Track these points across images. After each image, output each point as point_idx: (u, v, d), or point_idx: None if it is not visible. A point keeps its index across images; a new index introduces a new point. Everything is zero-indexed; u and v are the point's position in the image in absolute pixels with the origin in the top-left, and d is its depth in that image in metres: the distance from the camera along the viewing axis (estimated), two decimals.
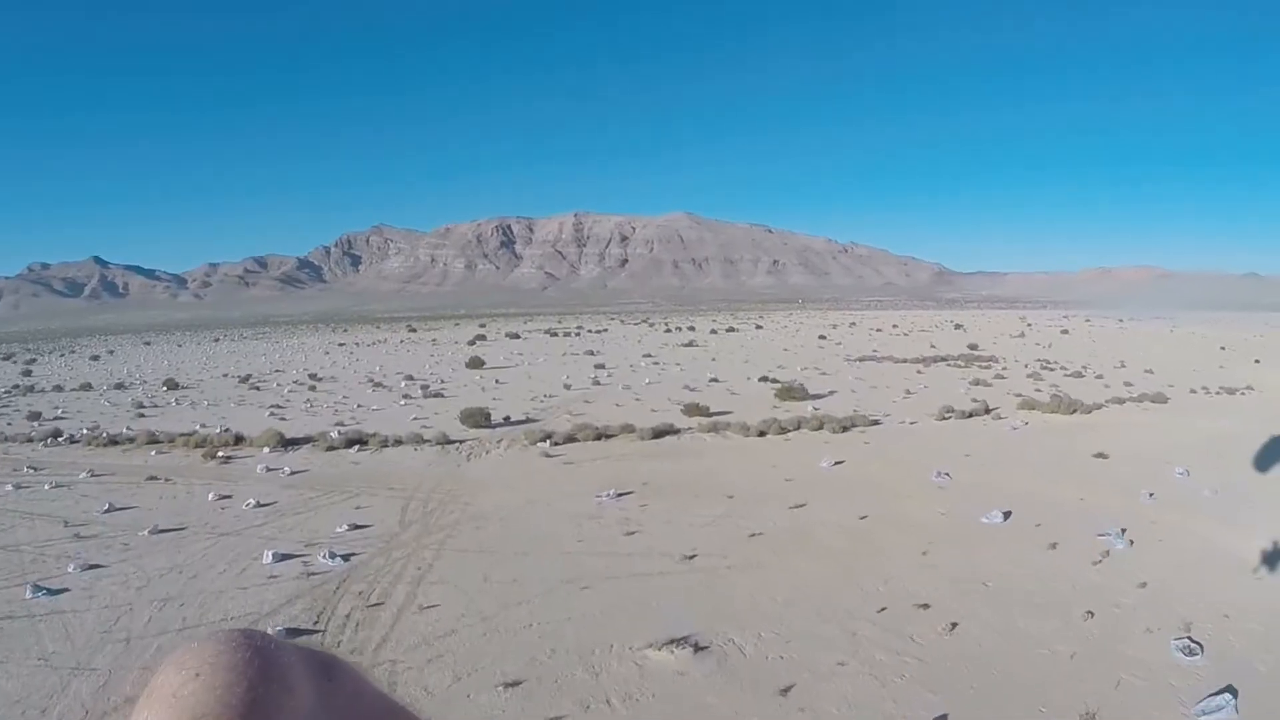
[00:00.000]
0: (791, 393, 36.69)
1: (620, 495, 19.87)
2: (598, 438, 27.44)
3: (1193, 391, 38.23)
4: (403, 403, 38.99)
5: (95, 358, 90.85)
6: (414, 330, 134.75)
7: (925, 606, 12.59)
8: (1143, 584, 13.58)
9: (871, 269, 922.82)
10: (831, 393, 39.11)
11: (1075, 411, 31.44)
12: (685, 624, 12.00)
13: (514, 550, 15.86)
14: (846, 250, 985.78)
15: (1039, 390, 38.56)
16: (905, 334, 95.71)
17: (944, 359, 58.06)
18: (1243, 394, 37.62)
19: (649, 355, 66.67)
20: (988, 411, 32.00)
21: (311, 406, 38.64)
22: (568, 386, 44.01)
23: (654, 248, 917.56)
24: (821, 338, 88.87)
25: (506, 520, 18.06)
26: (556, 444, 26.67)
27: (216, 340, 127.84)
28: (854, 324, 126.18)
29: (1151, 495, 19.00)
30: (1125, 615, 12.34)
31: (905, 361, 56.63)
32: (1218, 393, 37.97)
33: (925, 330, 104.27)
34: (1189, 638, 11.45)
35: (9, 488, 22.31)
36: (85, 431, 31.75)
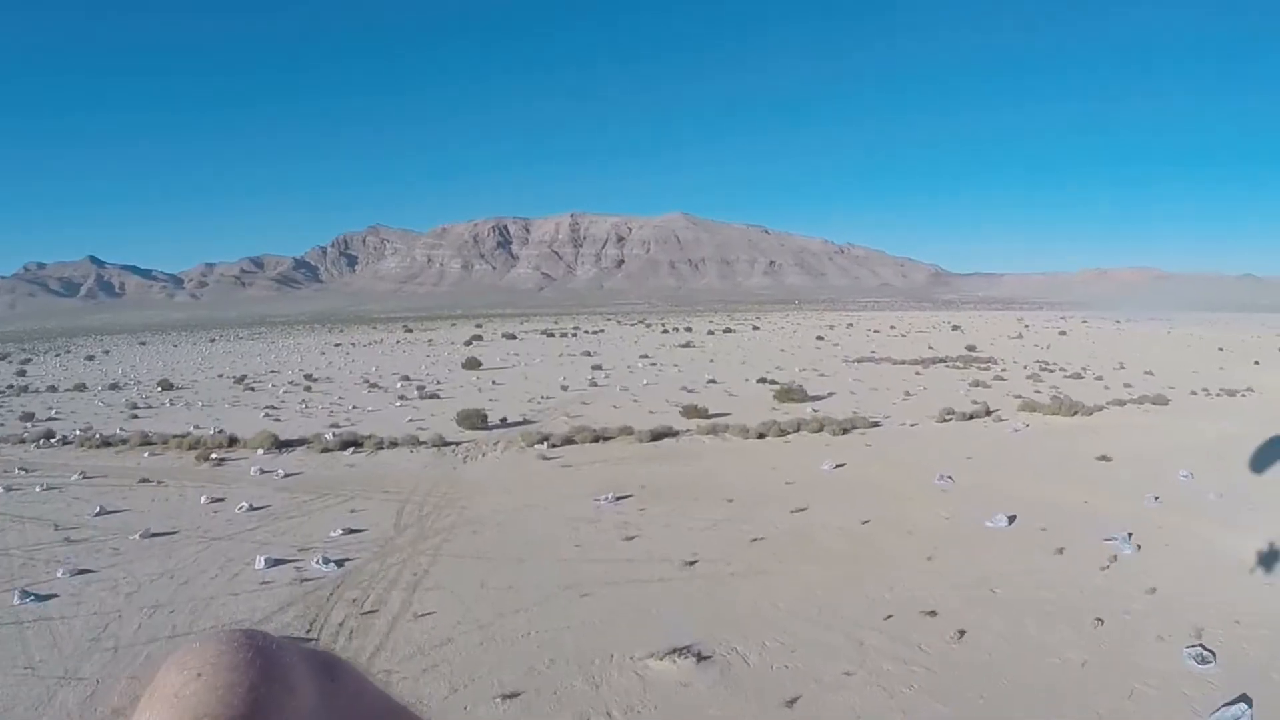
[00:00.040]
0: (790, 394, 36.46)
1: (619, 499, 19.60)
2: (595, 440, 27.17)
3: (1193, 393, 38.07)
4: (399, 404, 38.69)
5: (90, 358, 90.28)
6: (410, 331, 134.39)
7: (932, 614, 12.33)
8: (1152, 589, 13.35)
9: (868, 270, 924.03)
10: (830, 394, 38.88)
11: (1076, 413, 31.24)
12: (687, 632, 11.73)
13: (511, 556, 15.58)
14: (843, 251, 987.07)
15: (1039, 392, 38.40)
16: (903, 335, 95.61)
17: (942, 360, 57.90)
18: (1243, 395, 37.47)
19: (646, 356, 66.43)
20: (988, 413, 31.80)
21: (306, 408, 38.32)
22: (565, 388, 43.74)
23: (650, 248, 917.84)
24: (819, 339, 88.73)
25: (503, 524, 17.78)
26: (554, 446, 26.39)
27: (212, 340, 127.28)
28: (851, 325, 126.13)
29: (1157, 499, 18.78)
30: (1136, 622, 12.11)
31: (904, 363, 56.46)
32: (1218, 394, 37.83)
33: (923, 331, 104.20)
34: (1201, 645, 11.22)
35: (0, 490, 21.99)
36: (78, 433, 31.38)
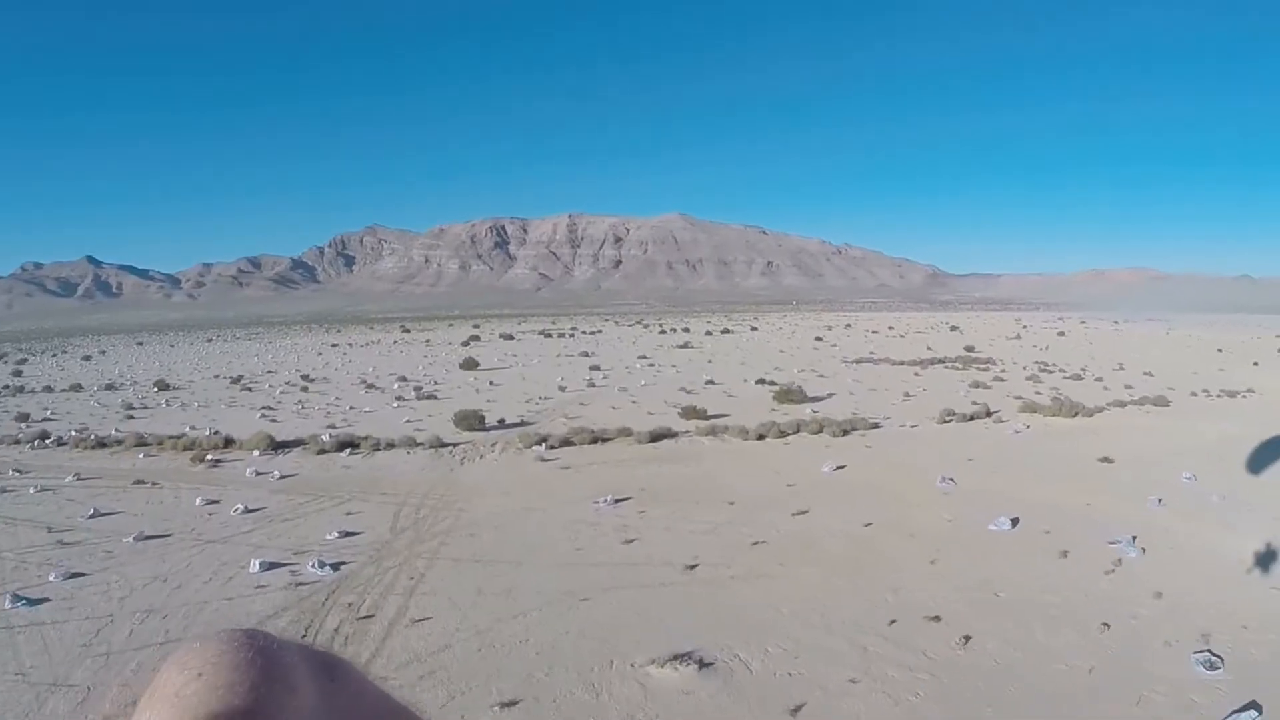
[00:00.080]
0: (789, 395, 36.29)
1: (618, 501, 19.41)
2: (594, 441, 26.98)
3: (1194, 394, 37.94)
4: (396, 405, 38.48)
5: (87, 358, 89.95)
6: (408, 331, 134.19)
7: (936, 619, 12.15)
8: (1158, 594, 13.19)
9: (865, 271, 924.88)
10: (830, 395, 38.73)
11: (1077, 415, 31.10)
12: (689, 638, 11.54)
13: (509, 559, 15.38)
14: (840, 252, 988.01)
15: (1039, 393, 38.26)
16: (901, 336, 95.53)
17: (941, 361, 57.76)
18: (1244, 397, 37.35)
19: (644, 357, 66.23)
20: (989, 414, 31.65)
21: (303, 408, 38.11)
22: (563, 388, 43.55)
23: (648, 249, 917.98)
24: (817, 339, 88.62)
25: (501, 528, 17.58)
26: (552, 447, 26.18)
27: (209, 341, 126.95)
28: (849, 325, 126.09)
29: (1160, 501, 18.62)
30: (1143, 627, 11.95)
31: (902, 364, 56.31)
32: (1219, 396, 37.70)
33: (921, 332, 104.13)
34: (1209, 651, 11.07)
35: None
36: (73, 433, 31.16)
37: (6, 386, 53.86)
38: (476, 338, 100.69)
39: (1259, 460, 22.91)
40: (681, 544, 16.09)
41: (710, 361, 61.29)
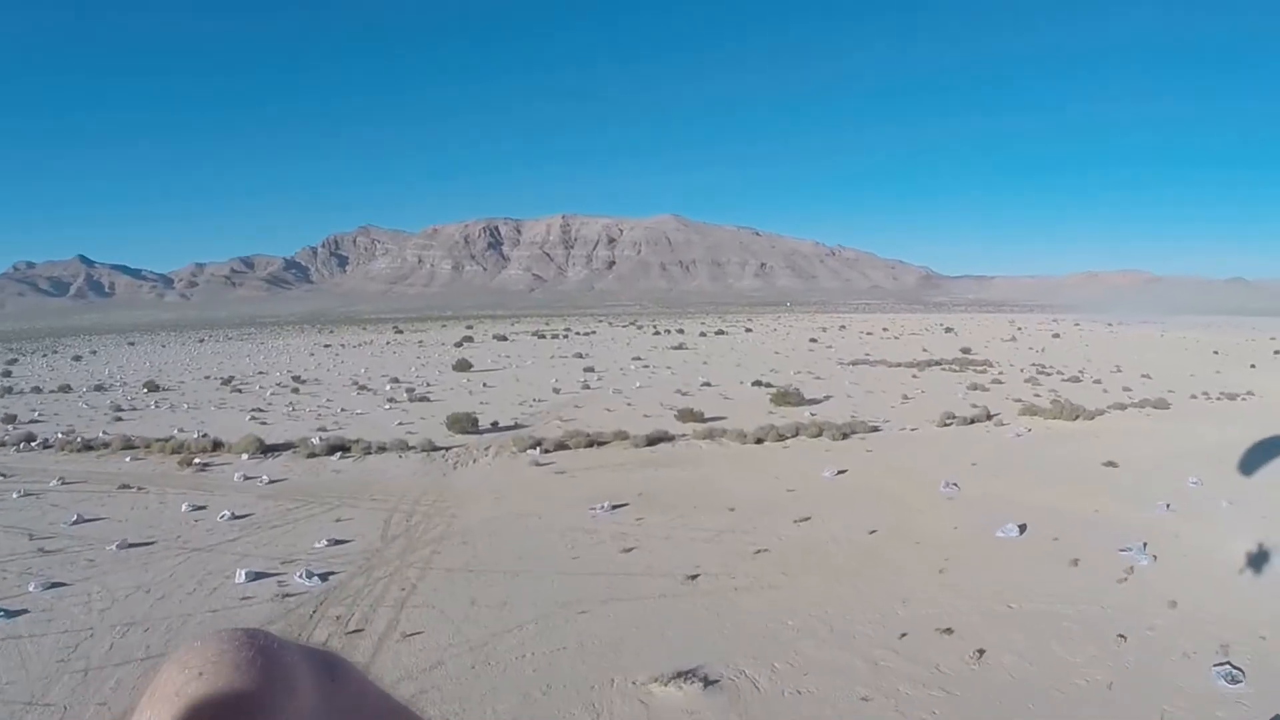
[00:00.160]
0: (787, 398, 35.91)
1: (615, 507, 18.96)
2: (589, 445, 26.53)
3: (1193, 397, 37.72)
4: (388, 407, 37.97)
5: (78, 358, 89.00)
6: (400, 332, 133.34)
7: (949, 631, 11.74)
8: (1173, 603, 12.82)
9: (858, 272, 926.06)
10: (827, 397, 38.36)
11: (1078, 417, 30.79)
12: (692, 654, 11.09)
13: (504, 569, 14.91)
14: (834, 253, 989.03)
15: (1038, 395, 37.99)
16: (896, 337, 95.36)
17: (938, 363, 57.45)
18: (1244, 399, 37.13)
19: (638, 358, 65.79)
20: (989, 417, 31.31)
21: (294, 410, 37.57)
22: (557, 390, 43.10)
23: (641, 250, 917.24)
24: (812, 341, 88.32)
25: (495, 535, 17.10)
26: (546, 451, 25.68)
27: (201, 341, 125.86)
28: (844, 327, 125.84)
29: (1168, 507, 18.28)
30: (1160, 639, 11.56)
31: (899, 366, 56.01)
32: (1218, 398, 37.47)
33: (915, 334, 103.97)
34: (1229, 663, 10.70)
35: None
36: (60, 436, 30.55)
37: None
38: (470, 339, 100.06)
39: (1266, 464, 22.61)
40: (682, 552, 15.65)
41: (705, 363, 60.88)
